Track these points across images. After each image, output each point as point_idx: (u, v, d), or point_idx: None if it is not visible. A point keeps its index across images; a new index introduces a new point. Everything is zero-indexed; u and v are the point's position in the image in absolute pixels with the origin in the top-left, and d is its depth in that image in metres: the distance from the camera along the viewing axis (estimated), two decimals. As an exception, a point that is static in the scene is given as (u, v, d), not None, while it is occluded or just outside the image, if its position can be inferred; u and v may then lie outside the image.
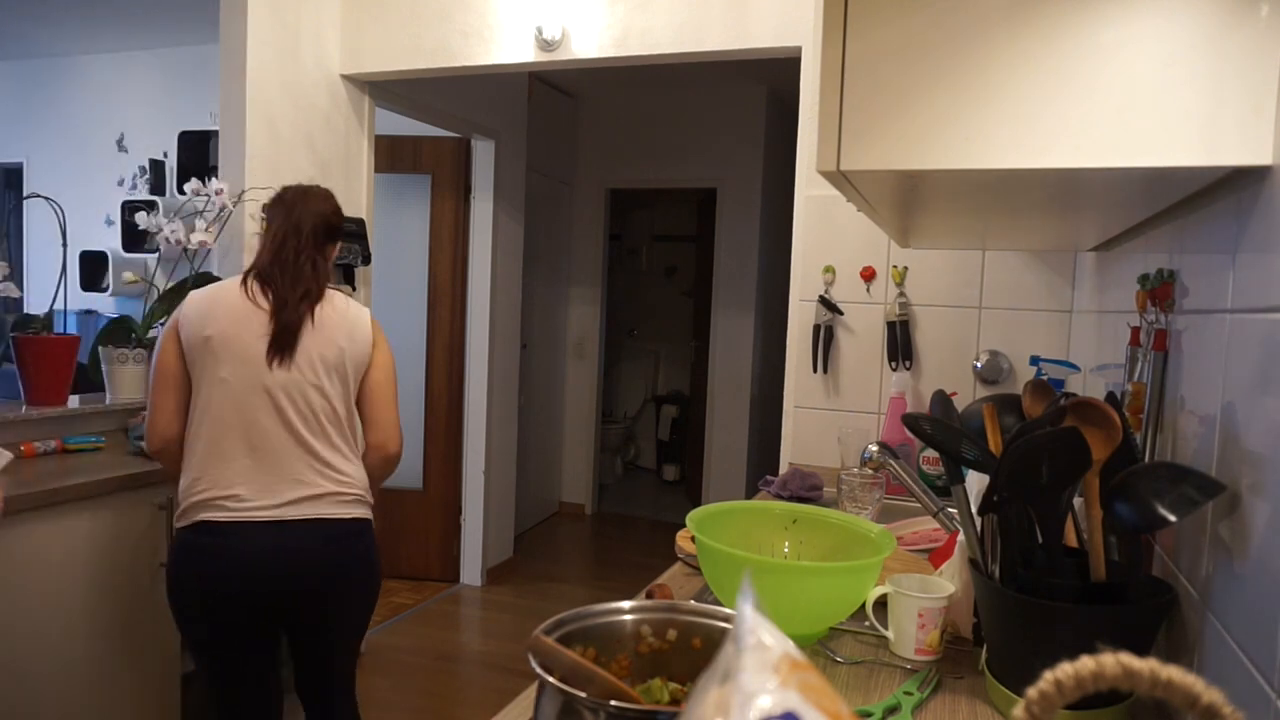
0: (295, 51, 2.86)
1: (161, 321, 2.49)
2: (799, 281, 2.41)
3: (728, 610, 0.85)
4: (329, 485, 1.77)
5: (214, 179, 2.59)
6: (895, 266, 2.29)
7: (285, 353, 1.74)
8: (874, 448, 1.95)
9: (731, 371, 5.34)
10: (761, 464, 5.21)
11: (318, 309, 1.78)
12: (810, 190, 2.37)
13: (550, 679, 0.68)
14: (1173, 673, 0.40)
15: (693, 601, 0.88)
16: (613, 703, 0.67)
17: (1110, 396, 1.08)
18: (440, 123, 3.80)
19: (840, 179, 0.96)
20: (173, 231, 2.48)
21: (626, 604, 0.85)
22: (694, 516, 1.19)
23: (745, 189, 5.26)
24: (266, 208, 1.91)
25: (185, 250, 2.52)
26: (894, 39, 0.88)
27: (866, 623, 1.13)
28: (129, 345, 2.53)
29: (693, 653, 0.82)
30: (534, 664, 0.71)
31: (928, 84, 0.88)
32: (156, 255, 2.63)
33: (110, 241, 5.09)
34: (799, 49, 2.46)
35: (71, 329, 2.85)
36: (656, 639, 0.82)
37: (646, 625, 0.83)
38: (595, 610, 0.82)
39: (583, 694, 0.67)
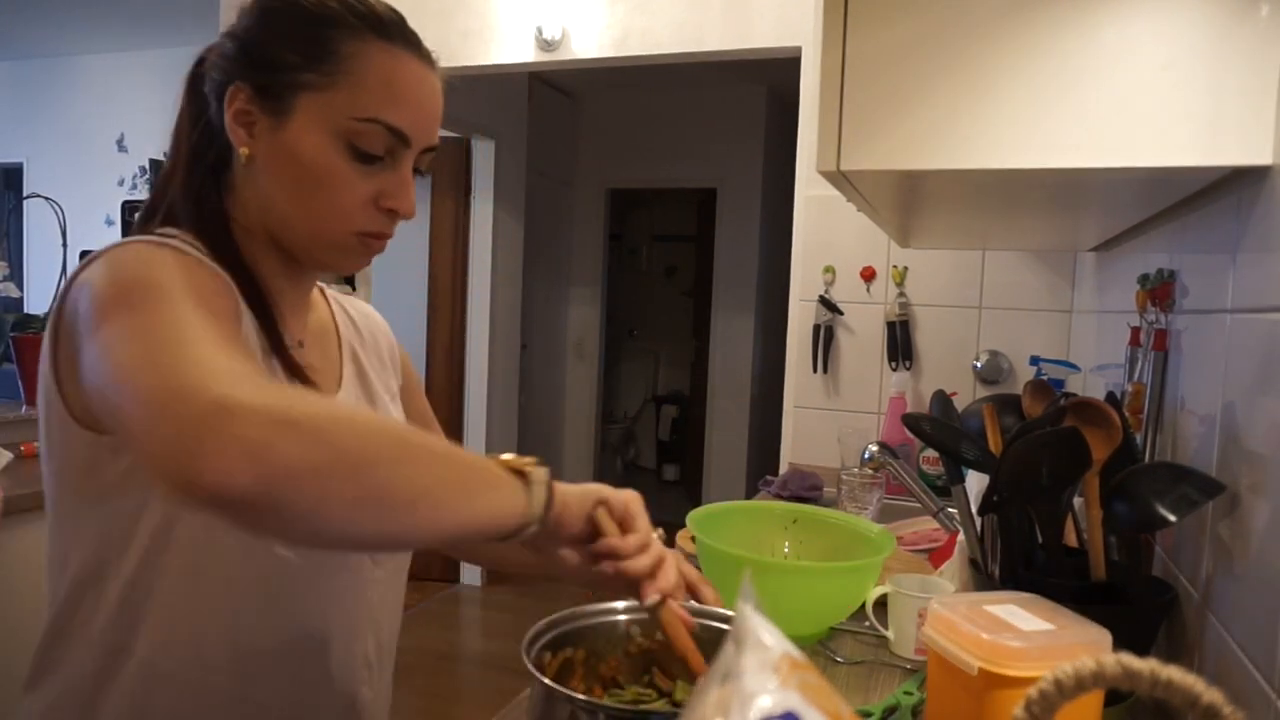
0: (295, 51, 2.86)
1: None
2: (799, 281, 2.40)
3: (724, 610, 0.85)
4: None
5: (214, 179, 2.59)
6: (895, 266, 2.29)
7: None
8: (874, 448, 1.94)
9: (731, 371, 5.33)
10: (761, 464, 5.21)
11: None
12: (810, 190, 2.37)
13: (546, 680, 0.68)
14: (1173, 673, 0.40)
15: (691, 601, 0.88)
16: (608, 703, 0.68)
17: (1110, 396, 1.07)
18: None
19: (840, 179, 0.96)
20: (173, 231, 2.49)
21: (620, 604, 0.85)
22: (694, 516, 1.19)
23: (745, 189, 5.26)
24: None
25: (185, 250, 2.52)
26: (894, 39, 0.88)
27: (866, 623, 1.13)
28: (129, 345, 2.53)
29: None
30: (529, 665, 0.71)
31: (928, 84, 0.88)
32: (156, 255, 2.63)
33: (110, 241, 5.09)
34: (799, 49, 2.46)
35: (71, 329, 2.85)
36: (645, 639, 0.83)
37: (636, 626, 0.83)
38: (589, 610, 0.82)
39: (579, 695, 0.67)
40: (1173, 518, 0.85)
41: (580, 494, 0.68)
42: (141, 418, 0.53)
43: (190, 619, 0.76)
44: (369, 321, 1.01)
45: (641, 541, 0.69)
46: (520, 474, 0.63)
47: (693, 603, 0.86)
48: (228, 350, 0.58)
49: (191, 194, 0.80)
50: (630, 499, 0.71)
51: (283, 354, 0.79)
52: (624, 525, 0.70)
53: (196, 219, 0.79)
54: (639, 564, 0.68)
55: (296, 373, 0.79)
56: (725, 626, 0.81)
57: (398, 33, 0.79)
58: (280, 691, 0.81)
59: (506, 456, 0.65)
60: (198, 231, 0.78)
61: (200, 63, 0.82)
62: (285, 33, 0.76)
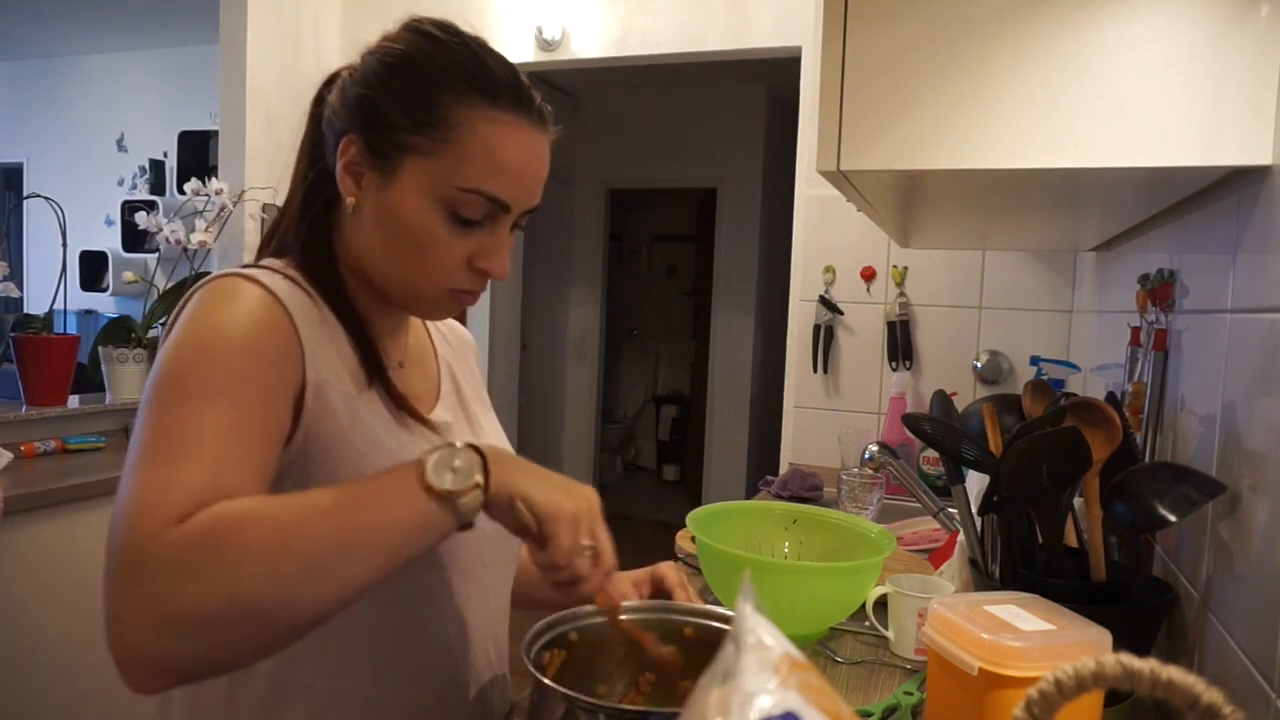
0: (295, 51, 2.86)
1: (161, 322, 2.48)
2: (799, 281, 2.41)
3: (721, 610, 0.85)
4: None
5: (214, 179, 2.59)
6: (895, 266, 2.29)
7: None
8: (874, 448, 1.94)
9: (731, 371, 5.33)
10: (761, 464, 5.21)
11: None
12: (810, 190, 2.37)
13: (546, 680, 0.68)
14: (1173, 673, 0.40)
15: (686, 602, 0.88)
16: (608, 704, 0.67)
17: (1110, 396, 1.08)
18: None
19: (840, 179, 0.96)
20: (173, 231, 2.48)
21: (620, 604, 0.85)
22: (694, 516, 1.19)
23: (745, 189, 5.25)
24: (270, 207, 1.91)
25: (185, 250, 2.52)
26: (894, 39, 0.88)
27: (866, 623, 1.13)
28: (129, 345, 2.52)
29: (681, 641, 0.83)
30: (529, 665, 0.71)
31: (928, 84, 0.88)
32: (156, 255, 2.63)
33: (110, 241, 5.09)
34: (799, 49, 2.46)
35: (71, 329, 2.84)
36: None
37: (636, 625, 0.83)
38: (587, 610, 0.82)
39: (577, 695, 0.67)
40: (1173, 518, 0.85)
41: (508, 481, 0.65)
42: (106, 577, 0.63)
43: (319, 629, 0.77)
44: (456, 335, 1.07)
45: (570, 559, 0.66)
46: (436, 494, 0.62)
47: (684, 602, 0.87)
48: (208, 471, 0.63)
49: (302, 229, 0.84)
50: (578, 508, 0.67)
51: (382, 379, 0.82)
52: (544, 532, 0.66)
53: (304, 253, 0.83)
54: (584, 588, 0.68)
55: (395, 397, 0.82)
56: (725, 626, 0.81)
57: (508, 97, 0.81)
58: (411, 698, 0.81)
59: (430, 467, 0.63)
60: (303, 263, 0.82)
61: (329, 83, 0.85)
62: (399, 92, 0.78)
